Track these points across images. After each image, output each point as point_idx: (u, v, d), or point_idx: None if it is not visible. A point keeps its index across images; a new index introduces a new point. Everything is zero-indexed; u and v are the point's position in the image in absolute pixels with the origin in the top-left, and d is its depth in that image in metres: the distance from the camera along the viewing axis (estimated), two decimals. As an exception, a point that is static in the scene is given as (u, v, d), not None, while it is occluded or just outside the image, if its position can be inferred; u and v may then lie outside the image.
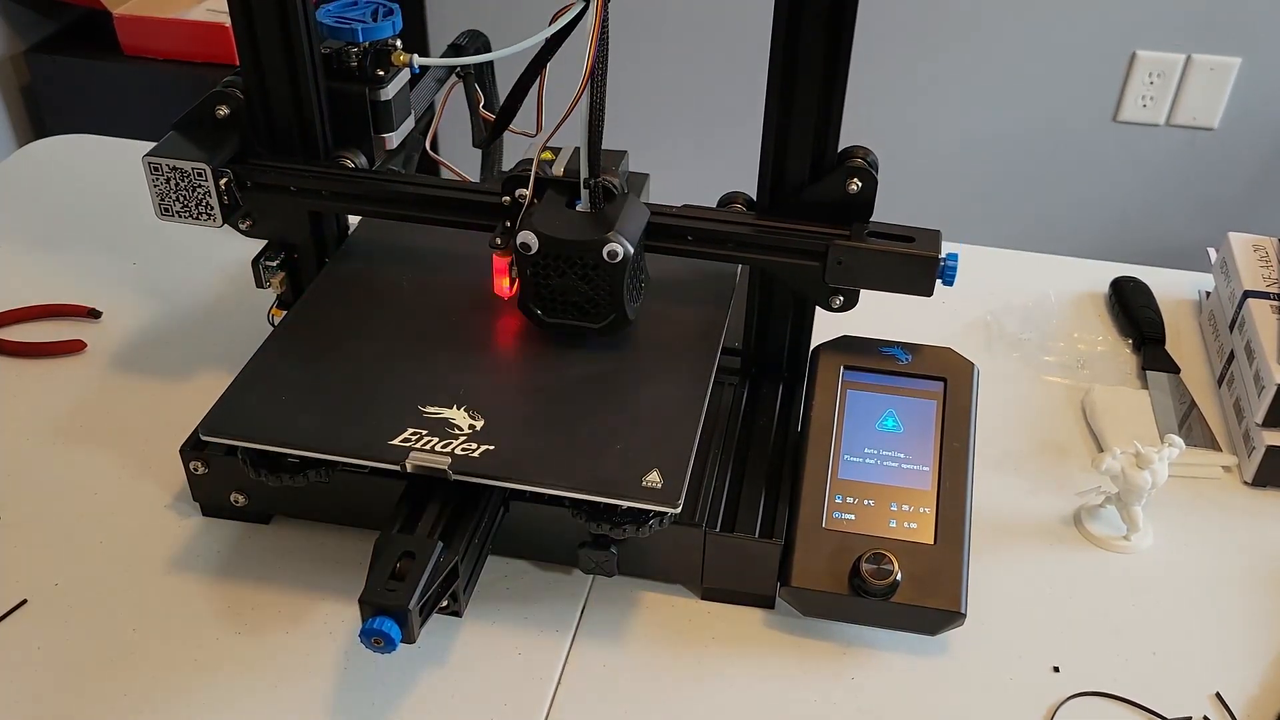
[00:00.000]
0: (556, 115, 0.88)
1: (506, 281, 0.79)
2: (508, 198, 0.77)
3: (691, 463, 0.68)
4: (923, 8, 2.07)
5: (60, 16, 2.01)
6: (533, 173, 0.75)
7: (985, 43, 2.09)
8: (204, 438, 0.70)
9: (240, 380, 0.74)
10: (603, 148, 0.97)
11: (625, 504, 0.67)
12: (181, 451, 0.77)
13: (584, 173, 0.73)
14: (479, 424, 0.70)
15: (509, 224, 0.77)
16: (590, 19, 0.67)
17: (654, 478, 0.67)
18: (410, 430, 0.69)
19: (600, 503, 0.68)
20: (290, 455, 0.70)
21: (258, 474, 0.71)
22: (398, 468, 0.67)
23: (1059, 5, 2.02)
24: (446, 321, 0.79)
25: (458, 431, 0.69)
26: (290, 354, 0.76)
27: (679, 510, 0.66)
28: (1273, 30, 1.99)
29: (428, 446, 0.68)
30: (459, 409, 0.71)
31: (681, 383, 0.74)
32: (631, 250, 0.72)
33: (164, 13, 1.88)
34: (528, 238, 0.72)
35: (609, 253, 0.72)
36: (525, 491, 0.70)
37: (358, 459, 0.69)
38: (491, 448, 0.68)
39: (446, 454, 0.68)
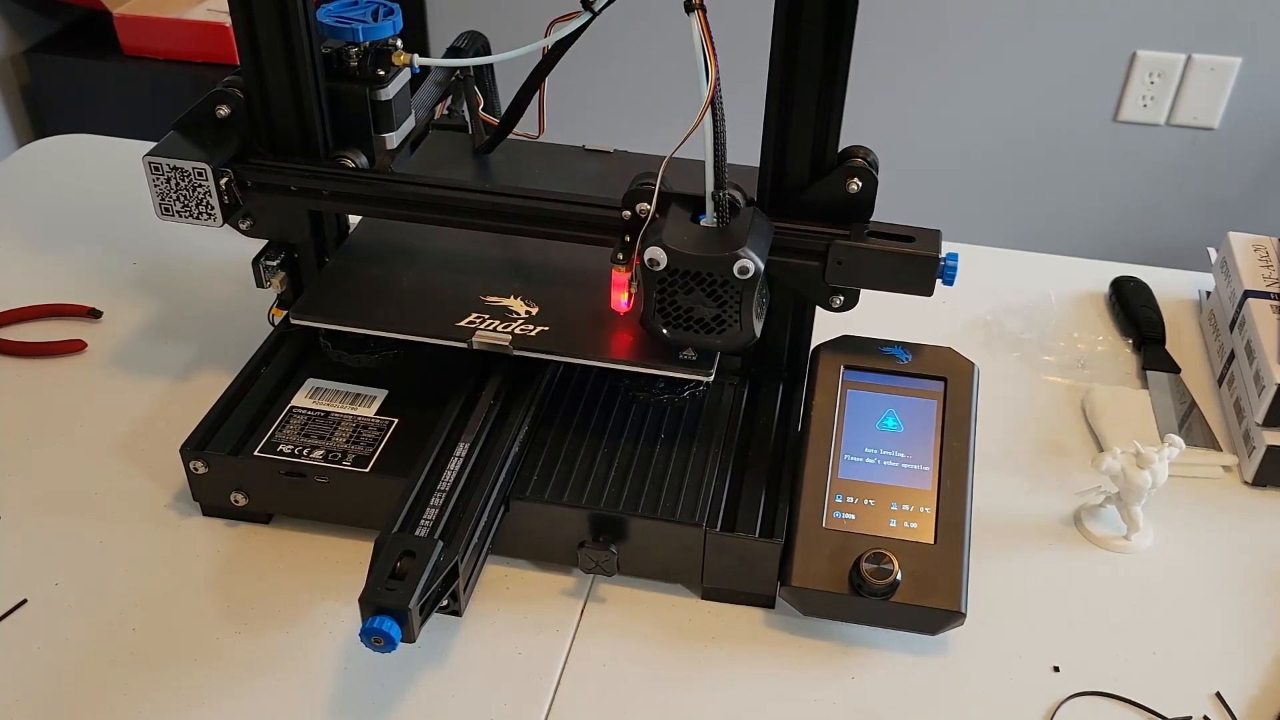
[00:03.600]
0: (555, 117, 0.89)
1: (625, 296, 0.77)
2: (628, 212, 0.75)
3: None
4: (922, 8, 2.07)
5: (60, 16, 2.01)
6: (657, 187, 0.74)
7: (985, 43, 2.09)
8: (295, 320, 0.79)
9: (322, 276, 0.83)
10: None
11: (666, 373, 0.75)
12: (181, 451, 0.77)
13: (709, 186, 0.71)
14: (534, 310, 0.79)
15: (628, 239, 0.75)
16: (697, 31, 0.67)
17: (689, 352, 0.75)
18: (474, 315, 0.78)
19: (643, 373, 0.76)
20: (371, 336, 0.80)
21: (339, 356, 0.82)
22: (464, 345, 0.76)
23: (1059, 5, 2.02)
24: (493, 238, 0.86)
25: (516, 315, 0.78)
26: (363, 259, 0.85)
27: (711, 378, 0.75)
28: (1273, 30, 1.99)
29: (490, 328, 0.77)
30: (515, 299, 0.80)
31: None
32: (762, 266, 0.71)
33: (164, 13, 1.88)
34: (655, 253, 0.71)
35: (740, 269, 0.70)
36: (576, 366, 0.78)
37: (430, 338, 0.77)
38: (546, 329, 0.77)
39: (508, 334, 0.76)
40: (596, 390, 0.82)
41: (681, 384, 0.79)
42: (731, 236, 0.72)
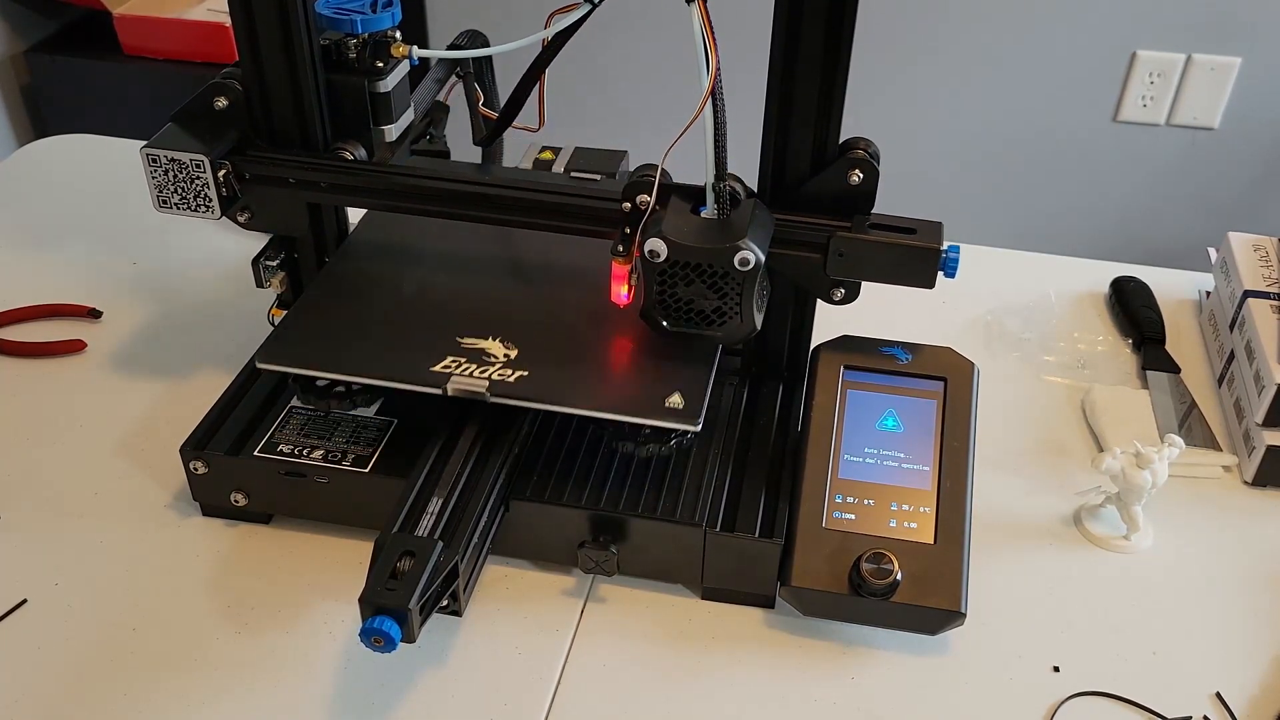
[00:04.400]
0: (554, 112, 0.88)
1: (625, 289, 0.76)
2: (628, 204, 0.75)
3: (710, 386, 0.73)
4: (922, 7, 2.07)
5: (60, 16, 2.01)
6: (657, 179, 0.73)
7: (985, 43, 2.09)
8: (260, 366, 0.75)
9: (291, 316, 0.79)
10: (602, 148, 0.98)
11: (650, 423, 0.71)
12: (181, 451, 0.77)
13: (710, 177, 0.71)
14: (513, 353, 0.75)
15: (628, 230, 0.74)
16: (697, 22, 0.66)
17: (676, 399, 0.72)
18: (450, 358, 0.74)
19: (626, 422, 0.72)
20: (339, 383, 0.76)
21: (307, 401, 0.77)
22: (439, 391, 0.72)
23: (1059, 5, 2.02)
24: (476, 267, 0.85)
25: (494, 360, 0.75)
26: (335, 295, 0.82)
27: (698, 428, 0.71)
28: (1273, 30, 1.99)
29: (467, 372, 0.73)
30: (494, 340, 0.76)
31: None
32: (763, 258, 0.71)
33: (164, 13, 1.88)
34: (656, 245, 0.71)
35: (740, 260, 0.70)
36: (555, 415, 0.74)
37: (403, 384, 0.74)
38: (525, 374, 0.74)
39: (484, 379, 0.73)
40: (579, 437, 0.78)
41: (667, 433, 0.73)
42: (732, 228, 0.72)
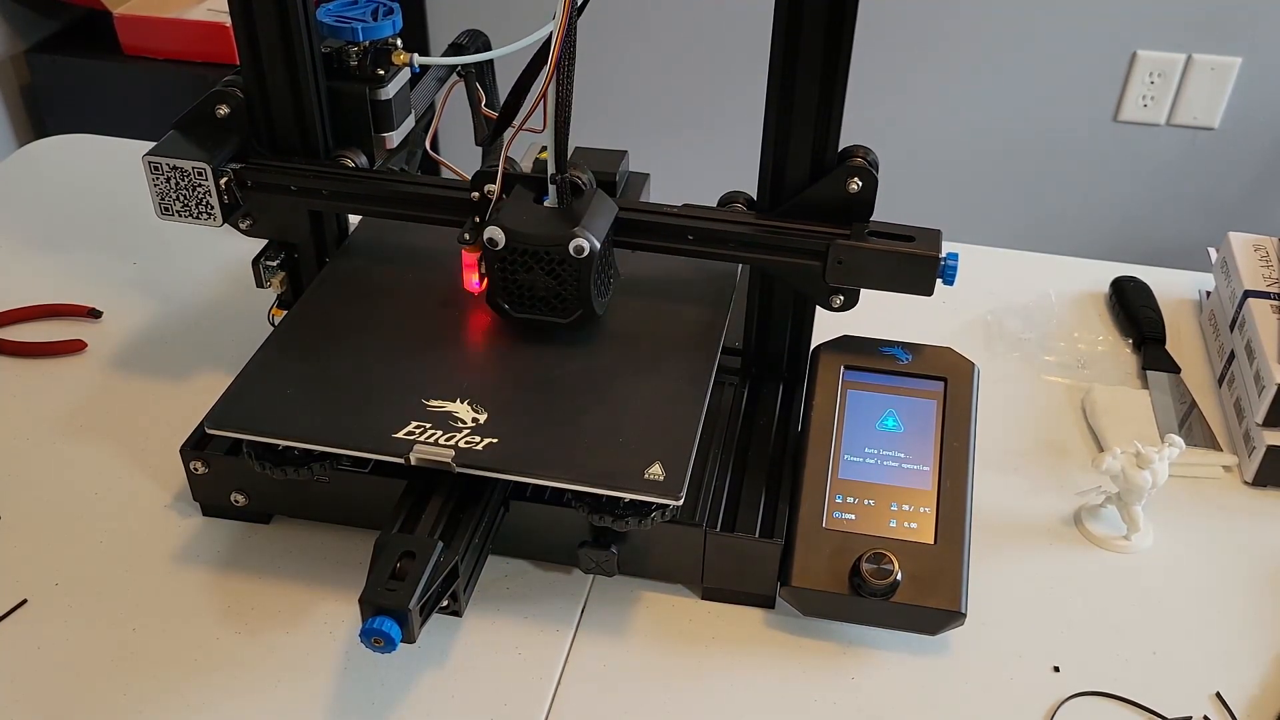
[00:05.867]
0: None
1: (476, 276, 0.79)
2: (476, 193, 0.77)
3: (693, 455, 0.68)
4: (922, 8, 2.07)
5: (60, 16, 2.01)
6: (500, 168, 0.75)
7: (985, 43, 2.09)
8: (210, 431, 0.70)
9: (245, 375, 0.74)
10: (603, 148, 0.98)
11: (628, 497, 0.67)
12: (181, 451, 0.77)
13: (551, 168, 0.73)
14: (482, 417, 0.70)
15: (478, 219, 0.77)
16: (559, 8, 0.67)
17: (656, 470, 0.67)
18: (414, 423, 0.69)
19: (603, 495, 0.67)
20: (295, 448, 0.70)
21: (263, 467, 0.71)
22: (402, 461, 0.67)
23: (1059, 5, 2.02)
24: (448, 318, 0.79)
25: (461, 425, 0.69)
26: (294, 349, 0.76)
27: (681, 502, 0.66)
28: (1273, 30, 1.99)
29: (432, 439, 0.68)
30: (462, 402, 0.71)
31: (682, 378, 0.74)
32: (598, 246, 0.72)
33: (164, 13, 1.88)
34: (494, 233, 0.73)
35: (575, 248, 0.72)
36: (528, 485, 0.71)
37: (363, 452, 0.69)
38: (495, 441, 0.68)
39: (450, 447, 0.68)
40: (555, 514, 0.73)
41: (647, 506, 0.68)
42: (570, 217, 0.73)
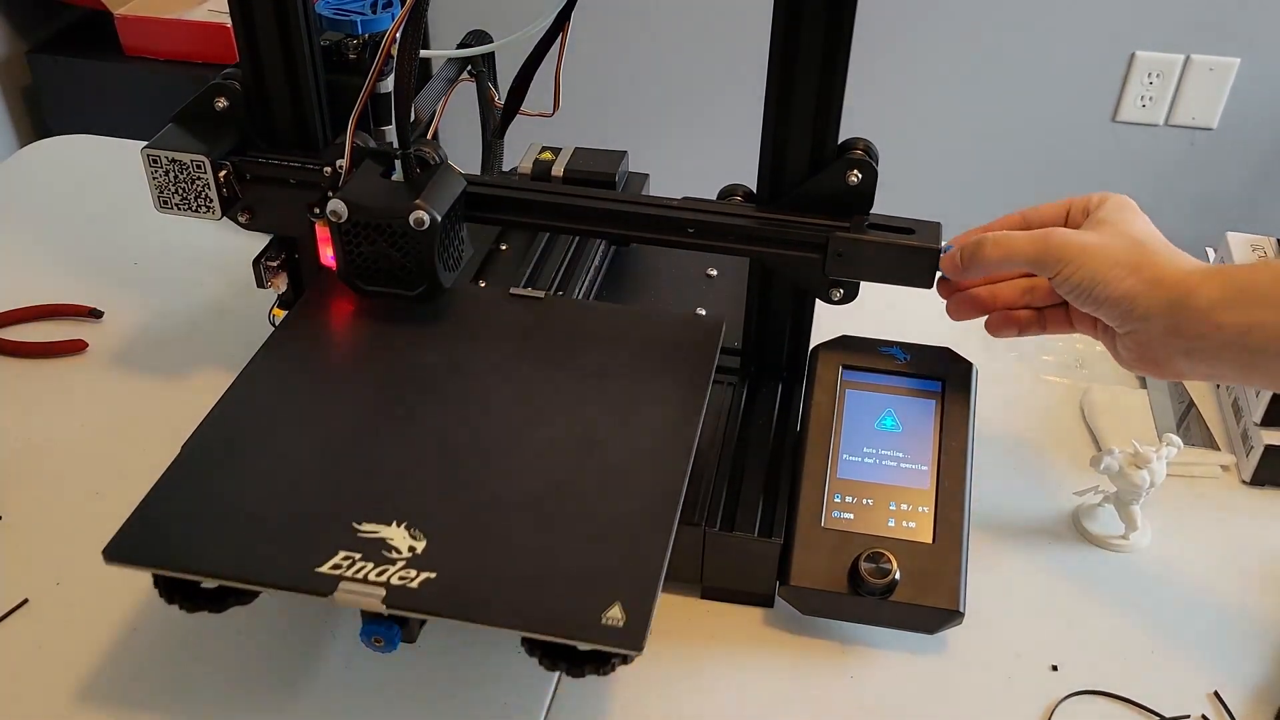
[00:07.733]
0: (570, 96, 0.88)
1: (330, 251, 0.79)
2: (329, 169, 0.79)
3: (659, 594, 0.60)
4: (922, 7, 2.07)
5: (61, 17, 2.01)
6: (348, 142, 0.76)
7: (985, 42, 2.09)
8: (109, 563, 0.62)
9: (155, 491, 0.65)
10: (603, 149, 0.98)
11: (583, 646, 0.59)
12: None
13: (396, 144, 0.74)
14: (419, 545, 0.62)
15: (330, 194, 0.77)
16: None
17: (615, 613, 0.59)
18: (342, 553, 0.61)
19: (556, 643, 0.60)
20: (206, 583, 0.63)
21: (171, 601, 0.63)
22: (324, 597, 0.59)
23: (1059, 5, 2.02)
24: (390, 405, 0.71)
25: (396, 555, 0.61)
26: (216, 453, 0.68)
27: (641, 653, 0.58)
28: (1273, 30, 2.00)
29: (360, 574, 0.60)
30: (398, 526, 0.63)
31: (652, 492, 0.66)
32: (439, 219, 0.73)
33: (165, 13, 1.89)
34: (337, 206, 0.74)
35: (415, 220, 0.73)
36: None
37: (281, 589, 0.61)
38: (432, 575, 0.60)
39: (381, 584, 0.59)
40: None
41: (606, 655, 0.60)
42: (412, 190, 0.74)
